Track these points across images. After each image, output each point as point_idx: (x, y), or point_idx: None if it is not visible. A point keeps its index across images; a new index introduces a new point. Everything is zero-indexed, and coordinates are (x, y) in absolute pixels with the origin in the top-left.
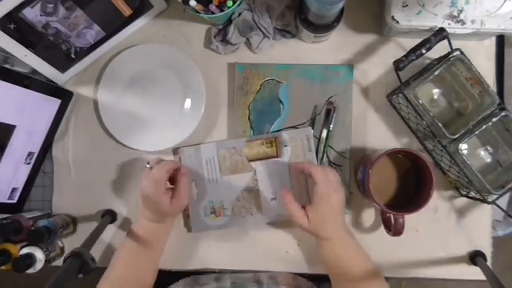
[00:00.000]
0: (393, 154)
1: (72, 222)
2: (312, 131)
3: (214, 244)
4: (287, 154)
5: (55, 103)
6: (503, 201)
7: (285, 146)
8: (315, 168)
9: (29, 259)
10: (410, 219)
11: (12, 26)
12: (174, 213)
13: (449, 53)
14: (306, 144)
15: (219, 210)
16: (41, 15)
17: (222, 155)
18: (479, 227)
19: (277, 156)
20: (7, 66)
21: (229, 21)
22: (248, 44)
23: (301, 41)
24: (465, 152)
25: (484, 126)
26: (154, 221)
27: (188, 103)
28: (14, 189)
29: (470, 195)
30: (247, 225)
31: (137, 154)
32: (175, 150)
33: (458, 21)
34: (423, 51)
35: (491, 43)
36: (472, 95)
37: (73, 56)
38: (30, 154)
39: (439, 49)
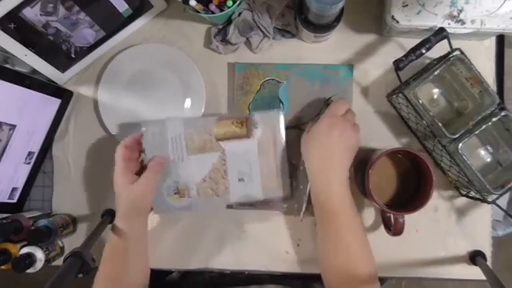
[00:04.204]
0: (393, 154)
1: (72, 222)
2: (282, 115)
3: (214, 244)
4: (257, 136)
5: (55, 103)
6: (503, 201)
7: (255, 127)
8: (339, 100)
9: (29, 259)
10: (410, 219)
11: (12, 26)
12: (131, 198)
13: (449, 53)
14: (277, 127)
15: (183, 191)
16: (41, 14)
17: (189, 134)
18: (479, 227)
19: (247, 137)
20: (7, 66)
21: (229, 21)
22: (248, 44)
23: (301, 41)
24: (465, 152)
25: (484, 126)
26: (124, 217)
27: (188, 103)
28: (14, 189)
29: (470, 195)
30: (211, 208)
31: None
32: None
33: (458, 21)
34: (423, 51)
35: (491, 43)
36: (472, 95)
37: (73, 55)
38: (30, 154)
39: (439, 49)
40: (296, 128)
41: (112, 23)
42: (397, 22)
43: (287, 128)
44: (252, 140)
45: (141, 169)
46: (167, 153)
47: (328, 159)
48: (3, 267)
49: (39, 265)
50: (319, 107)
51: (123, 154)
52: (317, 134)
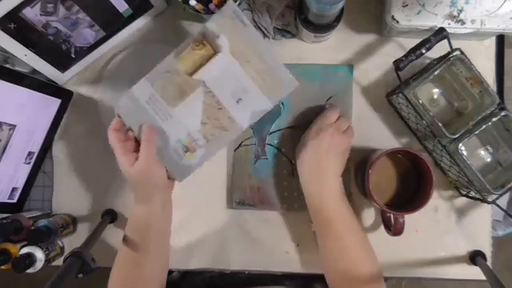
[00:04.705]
0: (393, 154)
1: (72, 222)
2: (234, 3)
3: (214, 244)
4: (225, 45)
5: (55, 103)
6: (503, 201)
7: (217, 37)
8: (330, 109)
9: (29, 259)
10: (410, 219)
11: (12, 25)
12: (139, 177)
13: (449, 53)
14: (238, 21)
15: (192, 145)
16: (41, 14)
17: (160, 86)
18: (479, 227)
19: (215, 53)
20: (7, 66)
21: None
22: None
23: (301, 41)
24: (465, 152)
25: (484, 126)
26: (140, 200)
27: None
28: (14, 189)
29: (470, 195)
30: (226, 144)
31: None
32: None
33: (458, 21)
34: (423, 51)
35: (491, 43)
36: (472, 95)
37: (73, 55)
38: (30, 153)
39: (439, 49)
40: (295, 128)
41: (112, 23)
42: (397, 22)
43: (286, 128)
44: (223, 53)
45: (138, 146)
46: (152, 117)
47: (319, 168)
48: (3, 267)
49: (39, 265)
50: (318, 110)
51: (116, 137)
52: (307, 143)
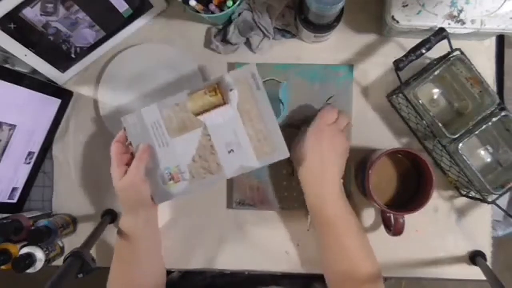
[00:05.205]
0: (393, 154)
1: (72, 222)
2: (254, 65)
3: (214, 244)
4: (235, 99)
5: (55, 103)
6: (503, 201)
7: (230, 90)
8: (327, 107)
9: (29, 259)
10: (410, 219)
11: (12, 25)
12: (125, 190)
13: (449, 53)
14: (253, 83)
15: (177, 175)
16: (41, 14)
17: (167, 116)
18: (479, 227)
19: (224, 104)
20: (7, 66)
21: (229, 21)
22: (248, 44)
23: (301, 41)
24: (465, 152)
25: (484, 126)
26: (126, 212)
27: None
28: (14, 189)
29: (470, 195)
30: (209, 186)
31: None
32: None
33: (458, 21)
34: (423, 51)
35: (491, 43)
36: (472, 95)
37: (73, 55)
38: (30, 154)
39: (439, 49)
40: (295, 128)
41: (112, 23)
42: (397, 22)
43: (286, 127)
44: (230, 106)
45: (132, 160)
46: (151, 141)
47: (319, 169)
48: (3, 267)
49: (39, 265)
50: (318, 110)
51: (116, 149)
52: (307, 144)
